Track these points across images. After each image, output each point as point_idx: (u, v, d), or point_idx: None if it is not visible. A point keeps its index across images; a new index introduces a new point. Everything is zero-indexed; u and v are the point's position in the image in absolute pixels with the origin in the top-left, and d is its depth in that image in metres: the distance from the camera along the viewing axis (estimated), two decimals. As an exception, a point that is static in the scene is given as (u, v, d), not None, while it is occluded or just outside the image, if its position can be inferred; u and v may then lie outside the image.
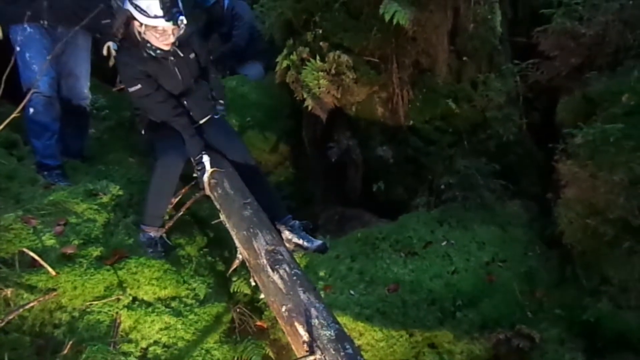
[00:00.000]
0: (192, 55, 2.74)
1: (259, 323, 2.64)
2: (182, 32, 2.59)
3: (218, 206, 2.71)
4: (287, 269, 2.18)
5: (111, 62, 3.32)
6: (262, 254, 2.28)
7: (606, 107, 3.11)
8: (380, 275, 2.72)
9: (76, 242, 2.41)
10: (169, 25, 2.49)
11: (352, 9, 3.70)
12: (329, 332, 1.88)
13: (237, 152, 2.87)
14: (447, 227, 3.19)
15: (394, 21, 3.23)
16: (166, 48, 2.60)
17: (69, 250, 2.34)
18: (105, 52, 3.25)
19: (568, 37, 3.45)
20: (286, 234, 2.76)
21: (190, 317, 2.40)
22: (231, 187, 2.68)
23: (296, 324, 1.96)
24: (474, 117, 3.87)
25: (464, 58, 3.92)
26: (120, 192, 2.86)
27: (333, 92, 3.62)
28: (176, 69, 2.68)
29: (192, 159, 2.74)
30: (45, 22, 2.98)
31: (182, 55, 2.69)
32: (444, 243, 2.99)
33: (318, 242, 2.81)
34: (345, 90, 3.63)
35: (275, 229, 2.67)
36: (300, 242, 2.73)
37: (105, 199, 2.74)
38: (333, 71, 3.57)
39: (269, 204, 2.78)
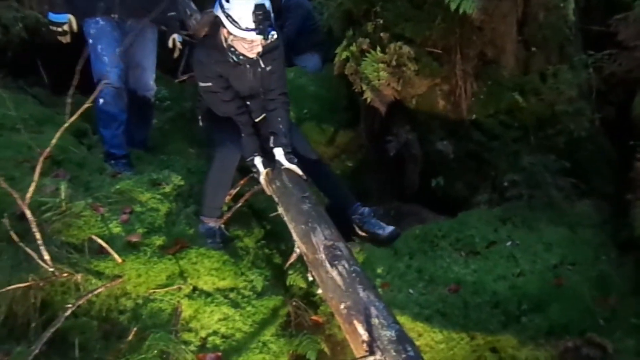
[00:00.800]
0: (269, 68, 2.67)
1: (314, 318, 2.62)
2: (270, 42, 2.53)
3: (276, 199, 2.70)
4: (346, 265, 2.14)
5: (176, 54, 3.39)
6: (321, 249, 2.25)
7: (693, 102, 2.87)
8: (440, 275, 2.62)
9: (140, 230, 2.47)
10: (259, 38, 2.44)
11: (414, -2, 3.59)
12: (390, 333, 1.83)
13: (297, 144, 2.84)
14: (511, 226, 3.03)
15: (460, 10, 3.10)
16: (252, 56, 2.57)
17: (134, 239, 2.41)
18: (170, 44, 3.32)
19: (652, 25, 3.20)
20: (356, 223, 2.73)
21: (248, 308, 2.42)
22: (289, 180, 2.67)
23: (355, 322, 1.92)
24: (541, 111, 3.66)
25: (533, 48, 3.71)
26: (182, 183, 2.91)
27: (393, 85, 3.53)
28: (249, 75, 2.66)
29: (245, 160, 2.74)
30: (116, 16, 3.06)
31: (261, 65, 2.64)
32: (508, 243, 2.85)
33: (390, 229, 2.78)
34: (405, 82, 3.53)
35: (346, 217, 2.68)
36: (372, 230, 2.68)
37: (167, 189, 2.81)
38: (394, 63, 3.47)
39: (336, 194, 2.77)
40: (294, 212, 2.53)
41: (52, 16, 3.01)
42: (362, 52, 3.59)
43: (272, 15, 2.43)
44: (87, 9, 3.03)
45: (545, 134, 3.60)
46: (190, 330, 2.25)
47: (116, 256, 2.22)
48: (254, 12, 2.35)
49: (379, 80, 3.50)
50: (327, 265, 2.18)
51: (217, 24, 2.54)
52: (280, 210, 2.67)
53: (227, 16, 2.42)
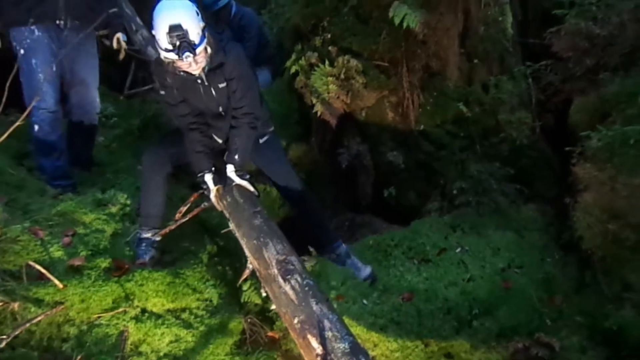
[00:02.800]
0: (221, 85, 2.53)
1: (270, 334, 2.58)
2: (208, 60, 2.41)
3: (227, 215, 2.66)
4: (299, 279, 2.13)
5: (122, 55, 3.15)
6: (273, 264, 2.23)
7: (622, 109, 3.05)
8: (393, 284, 2.66)
9: (84, 253, 2.37)
10: (176, 59, 2.30)
11: (360, 13, 3.67)
12: (343, 345, 1.82)
13: (280, 175, 2.82)
14: (461, 232, 3.13)
15: (404, 24, 3.19)
16: (193, 73, 2.44)
17: (77, 262, 2.30)
18: (115, 44, 3.08)
19: (582, 37, 3.39)
20: (333, 259, 2.79)
21: (201, 328, 2.35)
22: (240, 196, 2.63)
23: (309, 336, 1.90)
24: (485, 120, 3.80)
25: (475, 60, 3.87)
26: (128, 202, 2.82)
27: (342, 97, 3.58)
28: (202, 91, 2.54)
29: (196, 177, 2.67)
30: (62, 22, 2.82)
31: (207, 83, 2.51)
32: (458, 249, 2.93)
33: (368, 270, 2.77)
34: (354, 95, 3.59)
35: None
36: (350, 270, 2.72)
37: (113, 209, 2.71)
38: (342, 76, 3.53)
39: (314, 233, 2.81)
40: (245, 228, 2.49)
41: None
42: (311, 65, 3.63)
43: (195, 33, 2.26)
44: (19, 16, 2.73)
45: (490, 142, 3.74)
46: (140, 354, 2.16)
47: (57, 282, 2.11)
48: (167, 34, 2.23)
49: (328, 93, 3.54)
50: (280, 279, 2.16)
51: None
52: (232, 226, 2.63)
53: (153, 35, 2.33)
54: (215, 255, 2.87)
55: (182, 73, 2.43)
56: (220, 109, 2.61)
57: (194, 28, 2.26)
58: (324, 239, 2.88)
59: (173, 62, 2.37)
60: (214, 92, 2.54)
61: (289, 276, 2.14)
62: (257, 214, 2.50)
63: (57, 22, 2.85)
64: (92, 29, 2.95)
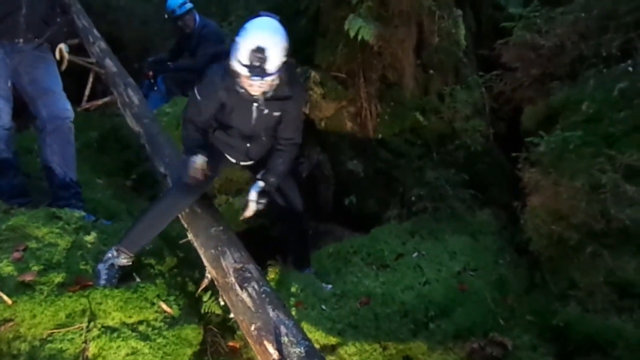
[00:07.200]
0: (276, 113, 2.54)
1: (231, 343, 2.57)
2: (272, 88, 2.40)
3: (185, 225, 2.66)
4: (256, 286, 2.15)
5: (63, 66, 3.10)
6: (231, 272, 2.25)
7: (567, 116, 3.21)
8: (351, 289, 2.70)
9: (36, 268, 2.30)
10: (248, 76, 2.30)
11: (318, 25, 3.75)
12: (299, 349, 1.86)
13: (289, 192, 2.84)
14: (419, 238, 3.21)
15: (359, 37, 3.29)
16: (253, 94, 2.42)
17: (28, 277, 2.23)
18: (57, 55, 3.05)
19: (528, 48, 3.57)
20: None
21: (159, 340, 2.31)
22: (199, 206, 2.64)
23: (265, 342, 1.93)
24: (441, 128, 3.94)
25: (430, 71, 4.02)
26: (83, 214, 2.78)
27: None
28: (254, 114, 2.52)
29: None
30: (21, 40, 2.81)
31: (262, 107, 2.50)
32: (415, 254, 3.00)
33: (328, 287, 2.80)
34: (313, 105, 3.67)
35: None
36: None
37: (68, 222, 2.66)
38: (301, 87, 3.59)
39: (297, 253, 2.89)
40: (203, 238, 2.50)
41: None
42: (271, 77, 3.67)
43: (274, 65, 2.27)
44: None
45: (446, 149, 3.88)
46: (94, 369, 2.13)
47: (5, 298, 2.06)
48: (251, 51, 2.24)
49: (287, 104, 3.58)
50: (237, 288, 2.18)
51: None
52: (190, 236, 2.63)
53: (235, 42, 2.31)
54: (175, 266, 2.84)
55: (241, 90, 2.42)
56: (263, 133, 2.63)
57: (275, 59, 2.27)
58: (304, 264, 2.93)
59: (239, 76, 2.36)
60: (265, 117, 2.55)
61: (246, 284, 2.16)
62: (215, 224, 2.51)
63: (16, 40, 2.83)
64: (44, 40, 2.94)
